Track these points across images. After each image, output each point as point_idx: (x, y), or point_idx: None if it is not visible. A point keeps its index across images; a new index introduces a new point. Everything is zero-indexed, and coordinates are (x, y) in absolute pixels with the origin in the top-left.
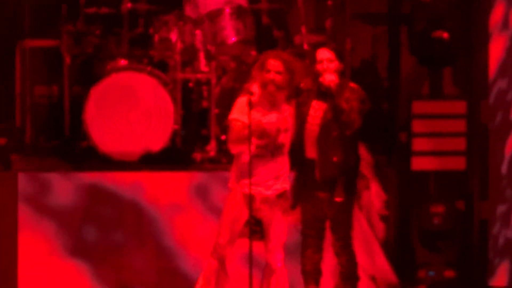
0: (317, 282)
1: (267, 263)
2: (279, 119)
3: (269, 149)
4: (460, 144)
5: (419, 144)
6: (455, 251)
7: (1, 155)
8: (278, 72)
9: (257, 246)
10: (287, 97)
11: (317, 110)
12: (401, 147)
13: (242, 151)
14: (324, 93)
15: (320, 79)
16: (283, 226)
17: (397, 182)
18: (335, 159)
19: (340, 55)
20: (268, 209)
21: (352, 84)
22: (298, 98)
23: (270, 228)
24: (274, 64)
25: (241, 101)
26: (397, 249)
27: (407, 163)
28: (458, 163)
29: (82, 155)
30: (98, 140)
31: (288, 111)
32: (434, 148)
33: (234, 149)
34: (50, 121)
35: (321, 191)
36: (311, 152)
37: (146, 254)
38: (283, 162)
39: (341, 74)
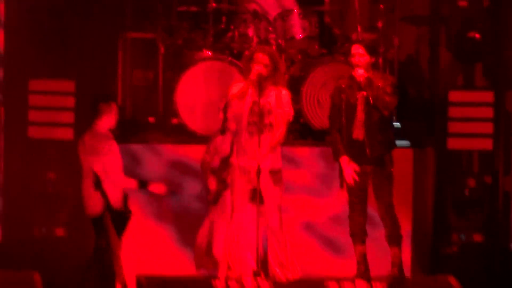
0: (363, 241)
1: (267, 225)
2: (264, 102)
3: (258, 127)
4: (488, 128)
5: (454, 127)
6: (483, 218)
7: None
8: (265, 65)
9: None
10: (273, 84)
11: (360, 99)
12: (439, 129)
13: (239, 129)
14: (361, 84)
15: (353, 73)
16: (277, 193)
17: (435, 159)
18: (380, 137)
19: (370, 50)
20: (262, 180)
21: (382, 75)
22: (346, 91)
23: (265, 195)
24: (261, 58)
25: (236, 87)
26: (435, 217)
27: (444, 143)
28: (486, 144)
29: (173, 130)
30: (186, 118)
31: (272, 96)
32: (467, 131)
33: (233, 125)
34: (146, 101)
35: (368, 165)
36: (358, 133)
37: None
38: (271, 139)
39: (372, 66)
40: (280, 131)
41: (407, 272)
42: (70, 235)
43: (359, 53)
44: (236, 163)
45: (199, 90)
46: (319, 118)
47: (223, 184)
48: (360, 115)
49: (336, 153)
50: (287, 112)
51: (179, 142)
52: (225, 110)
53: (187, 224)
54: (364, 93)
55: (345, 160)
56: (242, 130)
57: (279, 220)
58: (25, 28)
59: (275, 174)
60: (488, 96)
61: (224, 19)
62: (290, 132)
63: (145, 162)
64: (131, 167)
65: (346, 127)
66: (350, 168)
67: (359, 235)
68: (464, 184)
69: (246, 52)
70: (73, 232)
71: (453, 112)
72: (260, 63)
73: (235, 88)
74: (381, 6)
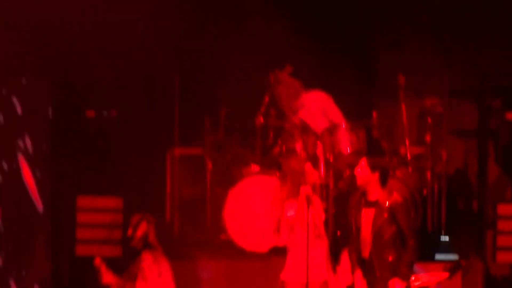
0: None
1: None
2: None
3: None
4: None
5: (503, 240)
6: None
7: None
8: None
9: None
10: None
11: (367, 217)
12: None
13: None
14: (370, 203)
15: (368, 197)
16: None
17: (484, 272)
18: (390, 258)
19: (374, 167)
20: None
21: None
22: (351, 207)
23: None
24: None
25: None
26: None
27: (493, 256)
28: None
29: (222, 246)
30: (234, 234)
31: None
32: None
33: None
34: (195, 217)
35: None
36: (366, 252)
37: None
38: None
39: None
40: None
41: None
42: None
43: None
44: (289, 278)
45: (247, 205)
46: None
47: None
48: (367, 234)
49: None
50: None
51: (228, 258)
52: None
53: None
54: (373, 209)
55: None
56: (298, 245)
57: None
58: (73, 145)
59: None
60: None
61: (271, 134)
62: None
63: (194, 279)
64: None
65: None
66: None
67: None
68: None
69: (289, 167)
70: None
71: (502, 225)
72: (308, 183)
73: (290, 209)
74: (429, 119)
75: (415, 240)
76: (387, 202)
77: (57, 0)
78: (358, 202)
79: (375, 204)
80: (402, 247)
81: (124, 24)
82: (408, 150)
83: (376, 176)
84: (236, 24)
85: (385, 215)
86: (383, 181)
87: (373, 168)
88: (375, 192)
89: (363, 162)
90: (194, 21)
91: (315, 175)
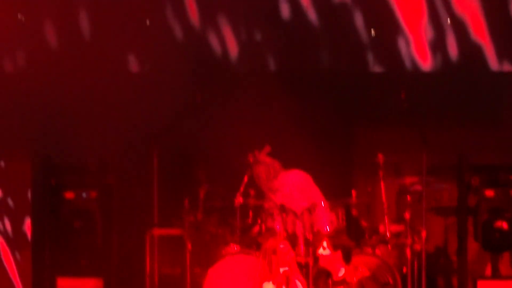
0: None
1: None
2: None
3: None
4: None
5: None
6: None
7: None
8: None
9: None
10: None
11: None
12: None
13: None
14: (337, 282)
15: (333, 277)
16: None
17: None
18: None
19: (336, 246)
20: None
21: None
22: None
23: None
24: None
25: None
26: None
27: None
28: None
29: None
30: None
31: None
32: None
33: None
34: None
35: None
36: None
37: None
38: None
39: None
40: None
41: None
42: None
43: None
44: None
45: (226, 285)
46: None
47: None
48: None
49: None
50: None
51: None
52: None
53: None
54: None
55: None
56: None
57: None
58: (52, 225)
59: None
60: None
61: (251, 213)
62: None
63: None
64: None
65: None
66: None
67: None
68: None
69: (265, 248)
70: None
71: None
72: (284, 263)
73: None
74: (408, 197)
75: None
76: (354, 278)
77: (35, 83)
78: (325, 284)
79: (342, 282)
80: None
81: (102, 104)
82: (387, 228)
83: (338, 254)
84: (216, 105)
85: None
86: (347, 258)
87: (335, 247)
88: (339, 271)
89: (324, 243)
90: (173, 102)
91: (291, 254)
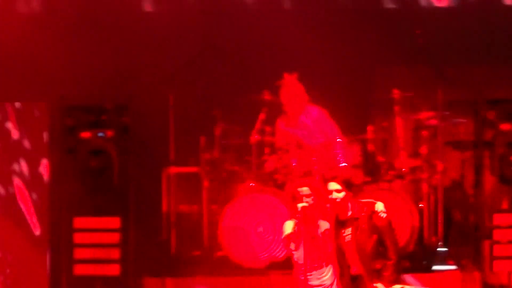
0: None
1: None
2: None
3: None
4: None
5: (499, 250)
6: None
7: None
8: (309, 199)
9: None
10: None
11: (347, 236)
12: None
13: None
14: (345, 222)
15: (340, 216)
16: None
17: (482, 282)
18: (378, 266)
19: (347, 186)
20: None
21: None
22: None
23: None
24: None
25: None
26: None
27: (490, 266)
28: None
29: (218, 263)
30: (230, 250)
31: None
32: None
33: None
34: (191, 234)
35: None
36: (355, 269)
37: None
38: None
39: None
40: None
41: None
42: None
43: (336, 189)
44: None
45: (243, 222)
46: None
47: None
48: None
49: None
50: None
51: (224, 275)
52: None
53: None
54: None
55: None
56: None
57: None
58: (69, 165)
59: None
60: None
61: (267, 150)
62: None
63: None
64: None
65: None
66: None
67: None
68: None
69: (288, 186)
70: None
71: (498, 235)
72: (304, 198)
73: (288, 228)
74: (424, 132)
75: (397, 258)
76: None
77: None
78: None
79: (350, 221)
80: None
81: (118, 44)
82: (403, 163)
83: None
84: (232, 41)
85: (364, 226)
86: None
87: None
88: (346, 210)
89: (336, 185)
90: (188, 42)
91: (319, 193)
